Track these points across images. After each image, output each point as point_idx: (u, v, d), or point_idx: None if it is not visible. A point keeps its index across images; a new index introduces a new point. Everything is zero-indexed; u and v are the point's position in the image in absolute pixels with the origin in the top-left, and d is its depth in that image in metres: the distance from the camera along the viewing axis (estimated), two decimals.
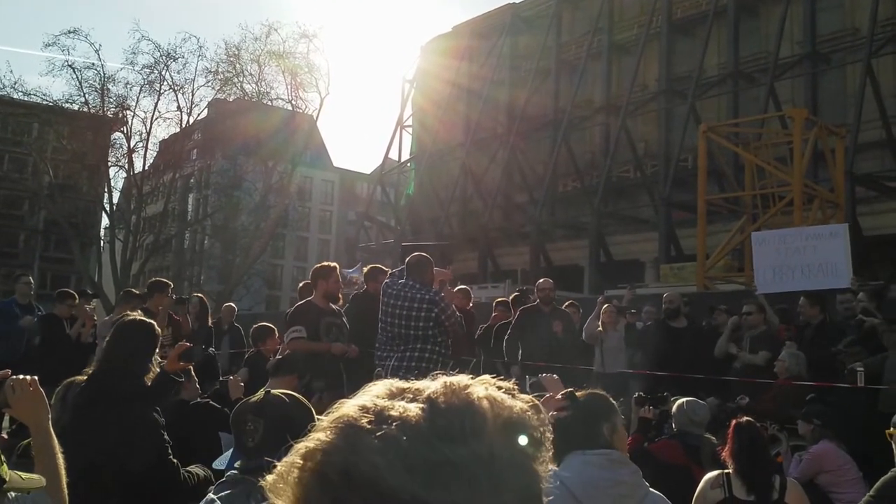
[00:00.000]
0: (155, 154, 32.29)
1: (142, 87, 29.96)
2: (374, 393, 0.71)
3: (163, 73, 29.96)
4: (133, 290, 9.82)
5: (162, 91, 30.25)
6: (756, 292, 8.70)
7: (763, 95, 23.64)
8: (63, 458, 2.15)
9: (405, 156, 38.87)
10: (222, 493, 2.15)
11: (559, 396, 2.69)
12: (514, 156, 30.93)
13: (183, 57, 30.93)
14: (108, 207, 31.96)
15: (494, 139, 32.53)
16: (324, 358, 5.48)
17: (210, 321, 8.78)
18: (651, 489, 2.59)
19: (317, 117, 33.66)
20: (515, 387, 0.74)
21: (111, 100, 30.08)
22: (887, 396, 5.75)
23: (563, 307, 8.12)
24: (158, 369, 3.68)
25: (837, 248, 8.74)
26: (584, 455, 2.52)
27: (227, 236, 34.47)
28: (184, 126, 31.23)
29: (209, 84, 31.35)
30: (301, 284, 7.74)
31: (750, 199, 16.36)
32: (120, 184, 33.05)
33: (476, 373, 0.76)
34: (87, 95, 29.65)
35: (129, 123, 30.46)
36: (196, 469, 3.51)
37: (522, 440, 0.69)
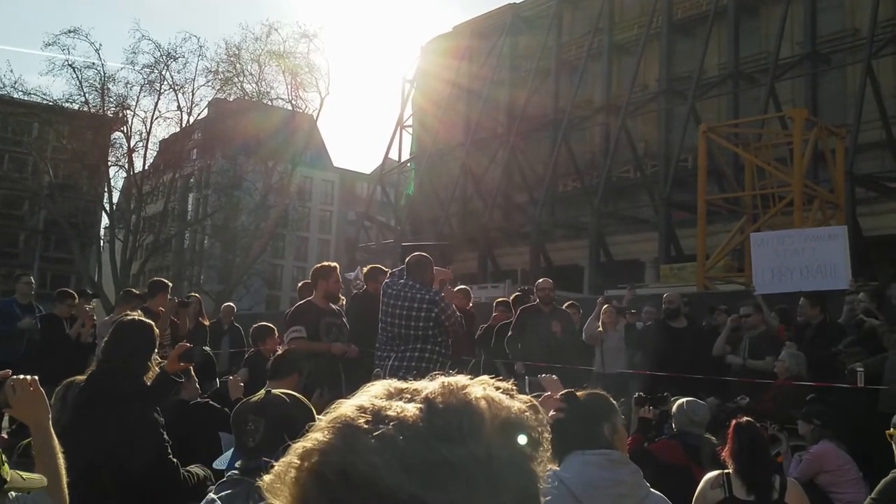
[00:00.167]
0: (155, 154, 32.33)
1: (142, 86, 29.99)
2: (372, 393, 0.71)
3: (163, 72, 29.99)
4: (133, 289, 9.83)
5: (162, 91, 30.28)
6: (754, 293, 8.71)
7: (763, 96, 23.62)
8: (63, 458, 2.15)
9: (405, 156, 38.88)
10: (223, 493, 2.14)
11: (558, 397, 2.69)
12: (514, 156, 30.91)
13: (183, 56, 30.99)
14: (108, 207, 31.94)
15: (494, 139, 32.52)
16: (324, 358, 5.48)
17: (206, 320, 8.79)
18: (651, 489, 2.59)
19: (317, 117, 33.71)
20: (514, 387, 0.74)
21: (111, 99, 30.09)
22: (887, 397, 5.76)
23: (563, 307, 8.12)
24: (158, 369, 3.68)
25: (836, 250, 8.75)
26: (585, 455, 2.52)
27: (227, 236, 34.43)
28: (184, 126, 31.24)
29: (209, 84, 31.37)
30: (301, 284, 7.74)
31: (750, 200, 16.37)
32: (120, 183, 33.09)
33: (476, 373, 0.76)
34: (87, 95, 29.67)
35: (129, 123, 30.49)
36: (196, 469, 3.51)
37: (520, 440, 0.69)
